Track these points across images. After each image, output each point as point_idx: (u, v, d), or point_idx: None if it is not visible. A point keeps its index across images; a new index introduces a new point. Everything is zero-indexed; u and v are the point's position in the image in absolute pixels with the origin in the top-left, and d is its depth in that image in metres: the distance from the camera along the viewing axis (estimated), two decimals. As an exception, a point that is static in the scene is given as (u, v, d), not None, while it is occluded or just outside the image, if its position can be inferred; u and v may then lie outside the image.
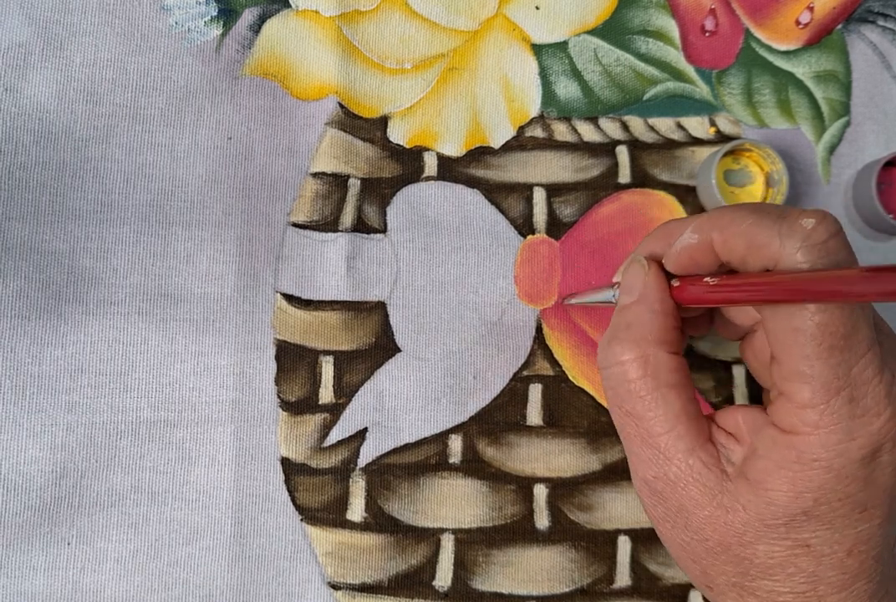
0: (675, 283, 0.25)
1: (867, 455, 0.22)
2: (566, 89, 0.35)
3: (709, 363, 0.34)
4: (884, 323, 0.24)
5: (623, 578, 0.32)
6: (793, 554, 0.23)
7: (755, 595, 0.24)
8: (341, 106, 0.34)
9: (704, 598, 0.32)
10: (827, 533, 0.23)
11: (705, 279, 0.24)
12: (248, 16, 0.34)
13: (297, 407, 0.32)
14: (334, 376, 0.32)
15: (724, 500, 0.24)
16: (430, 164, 0.34)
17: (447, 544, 0.32)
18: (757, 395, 0.33)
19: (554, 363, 0.33)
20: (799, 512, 0.22)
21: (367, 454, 0.32)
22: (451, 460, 0.32)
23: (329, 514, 0.31)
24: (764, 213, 0.23)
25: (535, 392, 0.33)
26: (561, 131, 0.35)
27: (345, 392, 0.32)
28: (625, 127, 0.35)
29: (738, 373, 0.33)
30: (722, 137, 0.35)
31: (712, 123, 0.35)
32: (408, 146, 0.34)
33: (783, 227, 0.21)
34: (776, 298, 0.22)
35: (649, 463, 0.25)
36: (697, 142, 0.35)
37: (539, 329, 0.33)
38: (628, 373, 0.25)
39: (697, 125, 0.35)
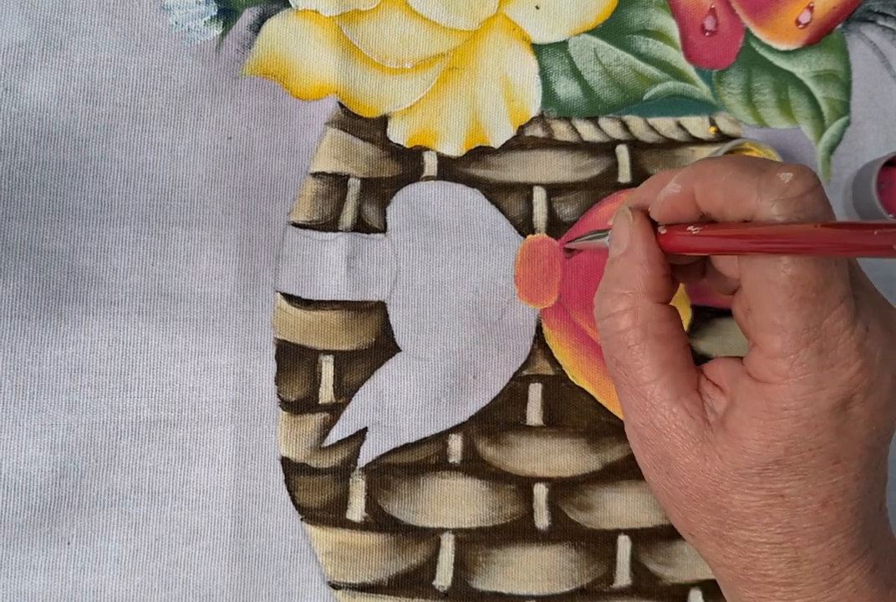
0: (662, 231, 0.26)
1: (837, 405, 0.22)
2: (566, 89, 0.35)
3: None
4: (865, 278, 0.24)
5: (623, 578, 0.32)
6: (767, 504, 0.23)
7: (733, 544, 0.24)
8: (341, 106, 0.34)
9: (704, 598, 0.32)
10: (800, 483, 0.23)
11: (689, 228, 0.24)
12: (247, 15, 0.34)
13: (297, 406, 0.32)
14: (334, 376, 0.32)
15: (703, 449, 0.24)
16: (430, 164, 0.34)
17: (447, 544, 0.32)
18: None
19: (554, 363, 0.33)
20: (771, 461, 0.23)
21: (367, 454, 0.32)
22: (451, 460, 0.32)
23: (329, 514, 0.31)
24: (745, 166, 0.23)
25: (535, 392, 0.33)
26: (561, 131, 0.35)
27: (345, 392, 0.32)
28: (625, 126, 0.35)
29: None
30: (722, 137, 0.35)
31: (712, 123, 0.35)
32: (408, 146, 0.34)
33: (762, 181, 0.22)
34: (750, 249, 0.22)
35: (637, 410, 0.25)
36: (697, 141, 0.35)
37: (539, 329, 0.33)
38: (619, 324, 0.25)
39: (697, 125, 0.35)
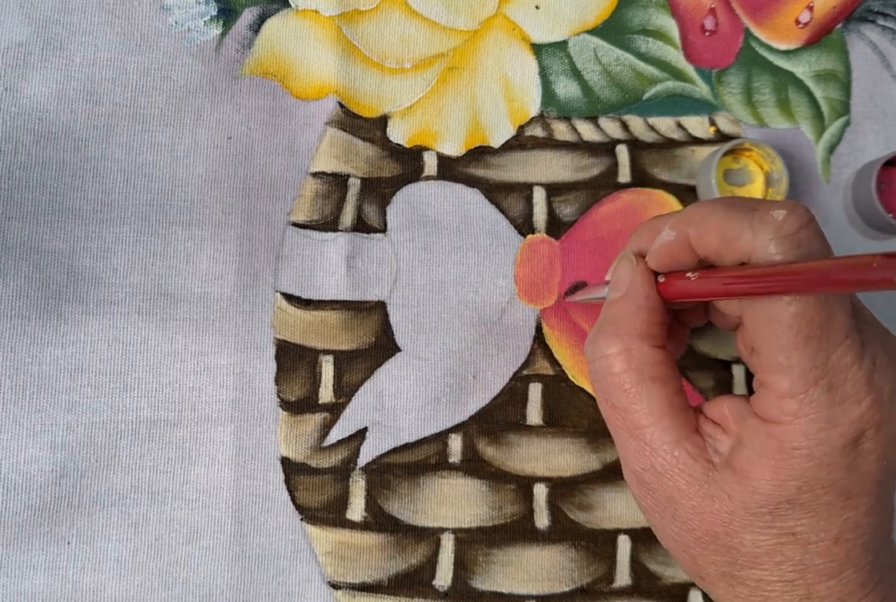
0: (661, 279, 0.26)
1: (849, 442, 0.22)
2: (566, 89, 0.35)
3: (709, 362, 0.34)
4: (866, 310, 0.24)
5: (623, 578, 0.32)
6: (779, 542, 0.23)
7: (745, 584, 0.24)
8: (341, 105, 0.34)
9: (704, 598, 0.32)
10: (812, 521, 0.23)
11: (687, 275, 0.24)
12: (247, 15, 0.34)
13: (297, 406, 0.32)
14: (334, 376, 0.32)
15: (710, 490, 0.24)
16: (430, 164, 0.34)
17: (447, 544, 0.32)
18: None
19: (554, 363, 0.33)
20: (783, 500, 0.22)
21: (367, 454, 0.32)
22: (451, 460, 0.32)
23: (329, 514, 0.31)
24: (735, 206, 0.23)
25: (535, 391, 0.33)
26: (561, 131, 0.35)
27: (345, 391, 0.32)
28: (624, 126, 0.35)
29: (738, 372, 0.33)
30: (722, 137, 0.35)
31: (712, 123, 0.35)
32: (408, 146, 0.34)
33: (754, 220, 0.22)
34: (750, 292, 0.22)
35: (637, 455, 0.25)
36: (697, 141, 0.35)
37: (539, 328, 0.33)
38: (613, 366, 0.25)
39: (697, 124, 0.35)
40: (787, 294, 0.21)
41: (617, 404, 0.25)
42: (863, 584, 0.23)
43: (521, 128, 0.34)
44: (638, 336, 0.25)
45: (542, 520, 0.32)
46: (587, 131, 0.35)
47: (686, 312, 0.28)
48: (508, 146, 0.34)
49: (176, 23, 0.34)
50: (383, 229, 0.33)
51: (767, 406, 0.23)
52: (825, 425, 0.22)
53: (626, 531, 0.32)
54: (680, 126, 0.35)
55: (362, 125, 0.34)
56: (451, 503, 0.32)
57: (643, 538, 0.32)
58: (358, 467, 0.32)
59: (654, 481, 0.25)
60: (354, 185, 0.33)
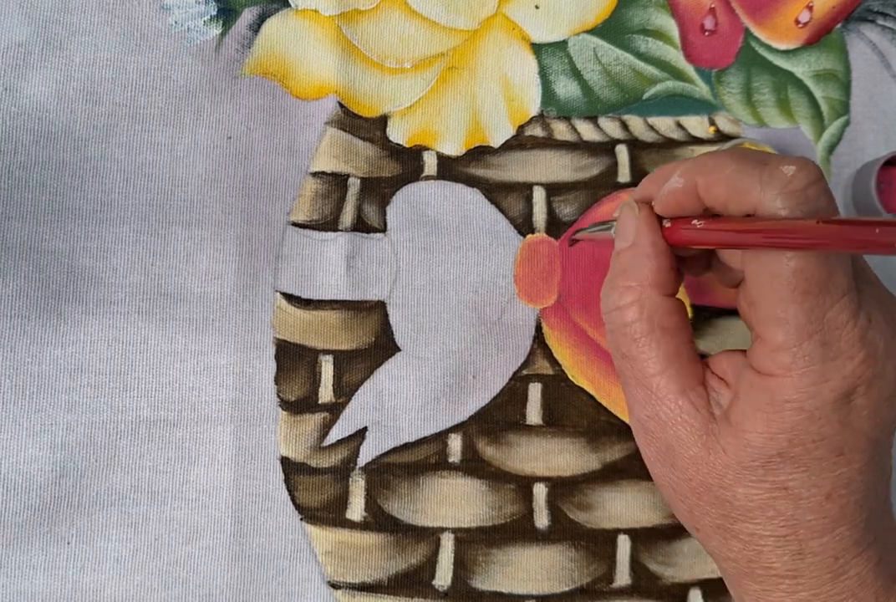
0: (667, 224, 0.26)
1: (840, 397, 0.22)
2: (566, 88, 0.35)
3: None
4: (869, 270, 0.25)
5: (623, 577, 0.32)
6: (771, 497, 0.23)
7: (738, 538, 0.24)
8: (341, 105, 0.34)
9: (704, 597, 0.32)
10: (804, 476, 0.23)
11: (693, 222, 0.24)
12: (247, 15, 0.34)
13: (297, 406, 0.32)
14: (334, 375, 0.32)
15: (707, 442, 0.24)
16: (430, 164, 0.34)
17: (447, 543, 0.32)
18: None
19: (553, 362, 0.33)
20: (774, 453, 0.23)
21: (367, 453, 0.32)
22: (451, 460, 0.32)
23: (329, 514, 0.31)
24: (746, 159, 0.23)
25: (535, 391, 0.33)
26: (560, 130, 0.35)
27: (344, 391, 0.32)
28: (624, 126, 0.35)
29: None
30: (721, 137, 0.35)
31: (712, 123, 0.35)
32: (407, 145, 0.34)
33: (764, 174, 0.22)
34: (753, 244, 0.22)
35: (643, 403, 0.25)
36: (697, 141, 0.35)
37: (539, 328, 0.33)
38: (625, 316, 0.25)
39: (697, 124, 0.35)
40: (789, 250, 0.21)
41: (627, 353, 0.25)
42: (857, 542, 0.23)
43: (521, 127, 0.34)
44: (649, 284, 0.25)
45: (541, 520, 0.32)
46: (587, 131, 0.35)
47: (686, 260, 0.28)
48: (508, 146, 0.34)
49: (176, 22, 0.34)
50: (383, 229, 0.33)
51: (762, 359, 0.23)
52: (817, 379, 0.22)
53: (626, 531, 0.32)
54: (679, 126, 0.35)
55: (362, 125, 0.34)
56: (451, 503, 0.32)
57: (643, 538, 0.32)
58: (358, 467, 0.32)
59: (657, 429, 0.25)
60: (354, 185, 0.33)
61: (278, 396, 0.32)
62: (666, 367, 0.25)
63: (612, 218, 0.29)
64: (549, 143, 0.34)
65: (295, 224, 0.33)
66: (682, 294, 0.34)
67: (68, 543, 0.30)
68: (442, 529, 0.32)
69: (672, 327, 0.25)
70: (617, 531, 0.32)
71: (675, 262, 0.26)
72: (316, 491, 0.31)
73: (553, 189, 0.34)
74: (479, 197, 0.34)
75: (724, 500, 0.24)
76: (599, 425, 0.33)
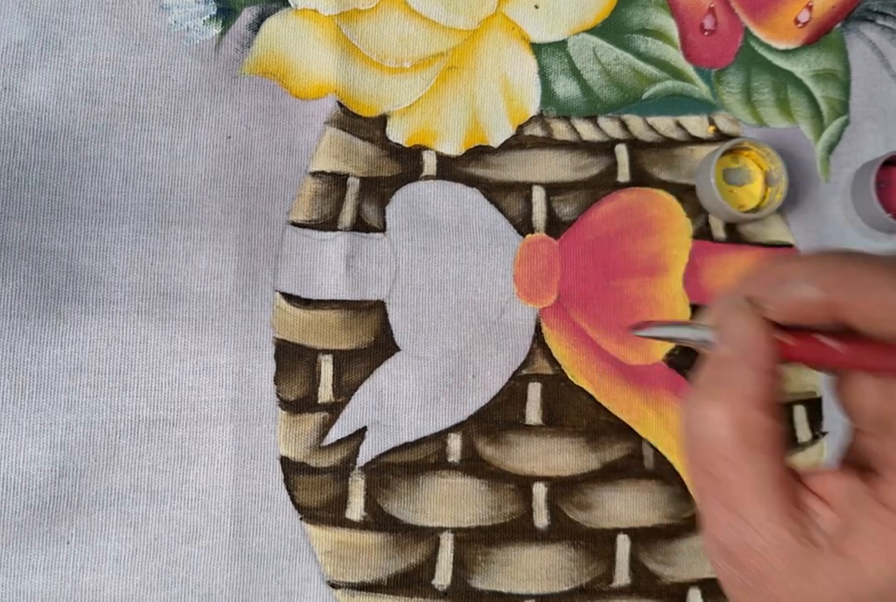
0: (789, 341, 0.23)
1: None
2: (565, 88, 0.35)
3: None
4: None
5: (622, 577, 0.32)
6: None
7: None
8: (340, 105, 0.34)
9: (703, 597, 0.32)
10: None
11: (825, 342, 0.22)
12: (247, 15, 0.34)
13: (297, 406, 0.32)
14: (333, 375, 0.32)
15: (811, 573, 0.22)
16: (430, 163, 0.34)
17: (446, 543, 0.32)
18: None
19: (553, 362, 0.33)
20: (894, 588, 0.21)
21: (367, 453, 0.32)
22: (451, 459, 0.32)
23: (328, 513, 0.31)
24: None
25: (535, 391, 0.33)
26: (560, 130, 0.35)
27: (344, 391, 0.32)
28: (624, 126, 0.35)
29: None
30: (721, 136, 0.35)
31: (711, 122, 0.35)
32: (407, 145, 0.34)
33: None
34: None
35: (728, 528, 0.23)
36: (696, 140, 0.35)
37: (538, 328, 0.33)
38: (719, 433, 0.23)
39: (696, 124, 0.35)
40: None
41: (716, 474, 0.23)
42: None
43: (521, 127, 0.34)
44: (753, 403, 0.23)
45: (541, 519, 0.32)
46: (586, 131, 0.35)
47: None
48: (508, 146, 0.34)
49: (175, 22, 0.34)
50: (382, 229, 0.33)
51: None
52: None
53: (626, 530, 0.32)
54: (679, 125, 0.35)
55: (362, 125, 0.34)
56: (451, 503, 0.32)
57: (642, 537, 0.32)
58: (357, 467, 0.32)
59: (745, 557, 0.23)
60: (354, 185, 0.33)
61: (278, 396, 0.32)
62: (761, 491, 0.22)
63: (702, 322, 0.25)
64: (549, 142, 0.34)
65: (294, 224, 0.33)
66: (681, 294, 0.34)
67: (68, 543, 0.30)
68: (441, 529, 0.32)
69: (769, 448, 0.22)
70: (616, 531, 0.32)
71: (781, 380, 0.23)
72: (315, 490, 0.31)
73: (552, 189, 0.34)
74: (478, 197, 0.34)
75: None
76: (599, 425, 0.33)
